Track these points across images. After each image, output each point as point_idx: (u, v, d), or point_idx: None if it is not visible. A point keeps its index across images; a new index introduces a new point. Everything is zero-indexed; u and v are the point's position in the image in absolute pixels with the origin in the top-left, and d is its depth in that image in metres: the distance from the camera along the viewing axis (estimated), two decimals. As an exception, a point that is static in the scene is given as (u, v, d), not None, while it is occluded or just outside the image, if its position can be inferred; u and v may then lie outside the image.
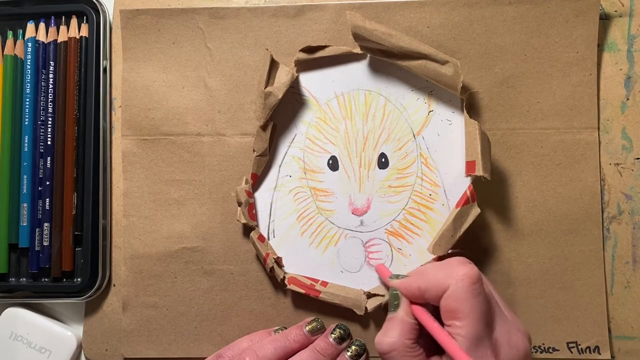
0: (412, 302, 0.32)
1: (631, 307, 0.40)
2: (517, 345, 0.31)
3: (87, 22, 0.42)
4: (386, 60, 0.40)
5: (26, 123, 0.42)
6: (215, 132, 0.42)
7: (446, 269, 0.31)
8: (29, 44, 0.42)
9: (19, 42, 0.43)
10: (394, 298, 0.33)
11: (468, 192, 0.37)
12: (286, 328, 0.39)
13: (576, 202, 0.40)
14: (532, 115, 0.40)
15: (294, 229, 0.41)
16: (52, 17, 0.43)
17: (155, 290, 0.42)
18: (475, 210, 0.37)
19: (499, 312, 0.32)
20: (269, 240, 0.41)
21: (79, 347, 0.42)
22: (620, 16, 0.41)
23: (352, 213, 0.41)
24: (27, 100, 0.42)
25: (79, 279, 0.42)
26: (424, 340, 0.32)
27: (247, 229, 0.41)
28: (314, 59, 0.41)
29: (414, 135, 0.41)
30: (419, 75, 0.40)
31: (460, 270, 0.30)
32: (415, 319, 0.32)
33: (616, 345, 0.40)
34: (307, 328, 0.37)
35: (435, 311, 0.32)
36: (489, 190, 0.40)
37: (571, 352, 0.40)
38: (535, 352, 0.40)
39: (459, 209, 0.37)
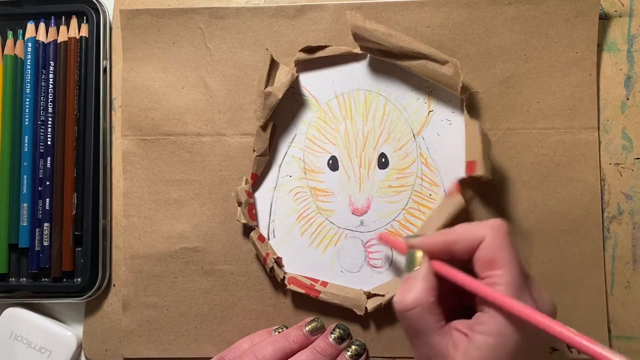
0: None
1: (631, 307, 0.40)
2: (550, 302, 0.30)
3: (87, 22, 0.42)
4: (386, 60, 0.40)
5: (26, 123, 0.42)
6: (215, 132, 0.42)
7: (476, 223, 0.30)
8: (29, 44, 0.42)
9: (19, 42, 0.43)
10: (412, 258, 0.31)
11: (453, 187, 0.38)
12: (287, 327, 0.39)
13: (576, 202, 0.40)
14: (532, 115, 0.40)
15: (294, 229, 0.41)
16: (52, 17, 0.43)
17: (155, 290, 0.42)
18: (459, 201, 0.37)
19: (527, 270, 0.31)
20: (269, 240, 0.41)
21: (79, 347, 0.42)
22: (620, 16, 0.41)
23: (352, 213, 0.41)
24: (27, 100, 0.42)
25: (79, 279, 0.42)
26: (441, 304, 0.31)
27: (247, 229, 0.41)
28: (314, 59, 0.41)
29: (414, 135, 0.41)
30: (419, 75, 0.40)
31: (494, 221, 0.30)
32: (437, 278, 0.30)
33: (616, 345, 0.40)
34: (307, 328, 0.37)
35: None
36: (489, 190, 0.40)
37: (571, 352, 0.40)
38: (535, 352, 0.40)
39: (443, 201, 0.38)
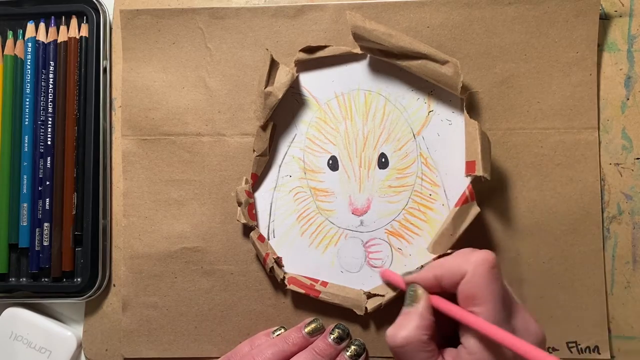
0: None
1: (631, 307, 0.40)
2: (535, 332, 0.31)
3: (87, 22, 0.42)
4: (386, 60, 0.40)
5: (26, 123, 0.42)
6: (215, 132, 0.42)
7: (462, 255, 0.31)
8: (29, 44, 0.42)
9: (19, 42, 0.43)
10: (412, 293, 0.32)
11: (467, 192, 0.37)
12: (286, 328, 0.39)
13: (576, 202, 0.40)
14: (532, 115, 0.40)
15: (294, 229, 0.41)
16: (52, 17, 0.43)
17: (155, 290, 0.42)
18: (475, 209, 0.37)
19: (514, 300, 0.31)
20: (269, 240, 0.41)
21: (79, 347, 0.42)
22: (620, 16, 0.41)
23: (352, 213, 0.41)
24: (27, 100, 0.42)
25: (79, 279, 0.42)
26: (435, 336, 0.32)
27: (247, 229, 0.41)
28: (314, 59, 0.41)
29: (414, 135, 0.41)
30: (419, 75, 0.40)
31: (477, 255, 0.30)
32: (434, 315, 0.31)
33: (616, 345, 0.40)
34: (307, 330, 0.37)
35: (451, 301, 0.31)
36: (489, 190, 0.40)
37: (571, 352, 0.40)
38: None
39: (458, 208, 0.37)
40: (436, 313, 0.31)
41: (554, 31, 0.40)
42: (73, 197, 0.42)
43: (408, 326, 0.30)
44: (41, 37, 0.43)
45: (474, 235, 0.40)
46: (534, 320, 0.31)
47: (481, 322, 0.29)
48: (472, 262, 0.30)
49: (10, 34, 0.43)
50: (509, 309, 0.30)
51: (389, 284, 0.39)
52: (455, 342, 0.31)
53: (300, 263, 0.41)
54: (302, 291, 0.39)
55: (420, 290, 0.32)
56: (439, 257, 0.38)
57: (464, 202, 0.37)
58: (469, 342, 0.29)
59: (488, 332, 0.28)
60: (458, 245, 0.38)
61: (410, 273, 0.33)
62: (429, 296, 0.32)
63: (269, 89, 0.39)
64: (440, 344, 0.31)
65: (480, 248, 0.40)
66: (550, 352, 0.40)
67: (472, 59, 0.40)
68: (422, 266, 0.35)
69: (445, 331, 0.32)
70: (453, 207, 0.38)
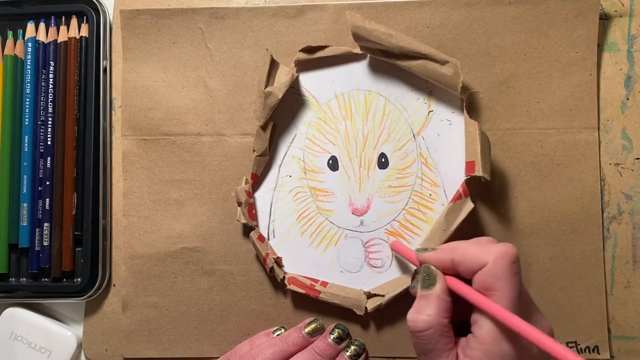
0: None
1: (631, 307, 0.40)
2: (549, 331, 0.30)
3: (87, 22, 0.42)
4: (386, 60, 0.40)
5: (26, 123, 0.42)
6: (215, 132, 0.42)
7: (482, 244, 0.30)
8: (29, 44, 0.42)
9: (19, 42, 0.43)
10: (428, 274, 0.31)
11: (461, 189, 0.37)
12: (286, 328, 0.39)
13: (576, 202, 0.40)
14: (532, 115, 0.40)
15: (294, 229, 0.41)
16: (52, 17, 0.43)
17: (155, 290, 0.42)
18: (469, 205, 0.37)
19: (530, 298, 0.31)
20: (269, 240, 0.41)
21: (79, 347, 0.42)
22: (620, 16, 0.41)
23: (352, 213, 0.41)
24: (27, 100, 0.42)
25: (79, 279, 0.42)
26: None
27: (247, 229, 0.41)
28: (314, 59, 0.41)
29: (413, 135, 0.41)
30: (419, 75, 0.40)
31: (500, 247, 0.29)
32: (451, 296, 0.31)
33: (616, 345, 0.40)
34: (307, 330, 0.37)
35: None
36: (489, 190, 0.40)
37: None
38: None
39: (452, 203, 0.37)
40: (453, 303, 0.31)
41: (554, 31, 0.40)
42: (73, 197, 0.42)
43: (428, 310, 0.30)
44: (41, 37, 0.43)
45: (474, 235, 0.40)
46: (548, 322, 0.31)
47: (500, 309, 0.28)
48: (493, 252, 0.29)
49: (10, 34, 0.43)
50: (525, 306, 0.30)
51: (397, 257, 0.39)
52: (462, 331, 0.31)
53: (300, 263, 0.41)
54: (302, 291, 0.39)
55: (437, 272, 0.31)
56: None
57: (458, 199, 0.37)
58: (481, 331, 0.29)
59: (506, 319, 0.27)
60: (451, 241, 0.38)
61: (424, 250, 0.33)
62: (444, 278, 0.31)
63: (269, 89, 0.39)
64: (455, 328, 0.31)
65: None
66: None
67: (472, 59, 0.40)
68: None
69: (453, 318, 0.31)
70: (447, 203, 0.38)
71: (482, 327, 0.29)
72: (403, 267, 0.40)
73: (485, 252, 0.30)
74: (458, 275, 0.31)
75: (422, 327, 0.30)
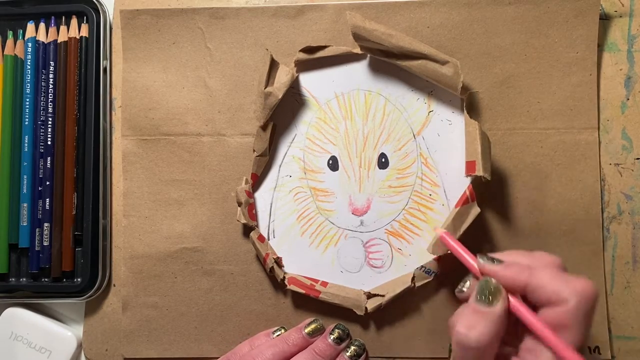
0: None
1: (631, 307, 0.40)
2: None
3: (87, 22, 0.42)
4: (386, 60, 0.40)
5: (26, 123, 0.42)
6: (215, 132, 0.42)
7: (562, 278, 0.28)
8: (29, 44, 0.42)
9: (19, 42, 0.43)
10: (492, 291, 0.29)
11: (467, 192, 0.37)
12: (286, 329, 0.39)
13: (576, 202, 0.40)
14: (532, 115, 0.40)
15: (294, 229, 0.41)
16: (52, 17, 0.43)
17: (155, 290, 0.42)
18: (475, 210, 0.37)
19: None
20: (269, 240, 0.41)
21: (79, 347, 0.42)
22: (620, 16, 0.41)
23: (352, 213, 0.41)
24: (27, 100, 0.42)
25: (79, 279, 0.42)
26: None
27: (247, 229, 0.41)
28: (314, 59, 0.41)
29: (414, 135, 0.41)
30: (419, 75, 0.40)
31: (583, 286, 0.27)
32: (511, 316, 0.29)
33: (616, 345, 0.40)
34: (307, 330, 0.37)
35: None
36: (489, 190, 0.40)
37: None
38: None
39: (458, 208, 0.37)
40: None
41: (554, 31, 0.40)
42: (73, 197, 0.42)
43: (483, 328, 0.28)
44: (41, 37, 0.43)
45: (474, 235, 0.40)
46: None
47: (569, 349, 0.27)
48: (577, 292, 0.27)
49: (10, 34, 0.43)
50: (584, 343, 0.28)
51: (442, 253, 0.37)
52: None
53: (300, 263, 0.41)
54: (302, 291, 0.39)
55: (502, 290, 0.29)
56: (439, 257, 0.38)
57: (464, 203, 0.37)
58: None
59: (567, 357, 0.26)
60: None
61: (488, 259, 0.30)
62: (508, 297, 0.29)
63: (269, 89, 0.39)
64: None
65: (480, 248, 0.40)
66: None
67: (472, 59, 0.40)
68: (493, 259, 0.31)
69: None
70: (453, 208, 0.38)
71: (539, 358, 0.28)
72: (400, 267, 0.40)
73: (568, 289, 0.27)
74: (523, 297, 0.29)
75: (474, 345, 0.27)
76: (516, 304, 0.29)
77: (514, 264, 0.30)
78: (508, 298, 0.29)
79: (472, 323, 0.28)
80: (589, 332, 0.28)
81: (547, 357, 0.27)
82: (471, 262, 0.32)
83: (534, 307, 0.29)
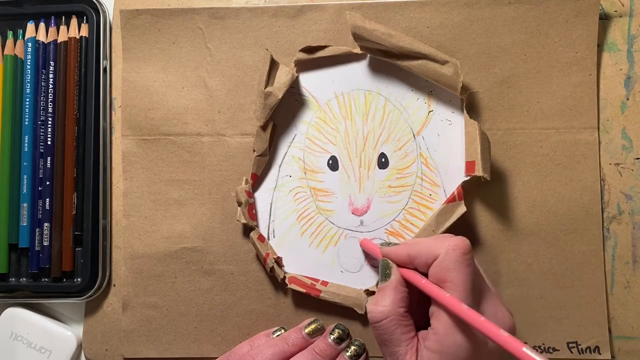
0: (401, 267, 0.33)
1: (631, 307, 0.40)
2: (503, 320, 0.31)
3: (87, 22, 0.42)
4: (386, 60, 0.40)
5: (26, 123, 0.42)
6: (215, 132, 0.42)
7: (438, 239, 0.31)
8: (29, 44, 0.42)
9: (19, 42, 0.43)
10: (385, 267, 0.33)
11: (456, 192, 0.38)
12: (286, 329, 0.39)
13: (576, 202, 0.40)
14: (532, 115, 0.40)
15: (294, 229, 0.41)
16: (52, 17, 0.43)
17: (155, 290, 0.42)
18: (461, 209, 0.38)
19: (486, 287, 0.32)
20: (269, 240, 0.41)
21: (79, 347, 0.42)
22: (620, 16, 0.41)
23: (352, 213, 0.41)
24: (27, 100, 0.42)
25: (79, 279, 0.42)
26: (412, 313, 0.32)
27: (247, 229, 0.41)
28: (314, 59, 0.41)
29: (413, 135, 0.41)
30: (419, 75, 0.40)
31: (452, 240, 0.30)
32: (407, 287, 0.32)
33: (616, 345, 0.40)
34: (307, 330, 0.37)
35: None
36: (489, 190, 0.40)
37: (571, 352, 0.40)
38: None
39: (444, 205, 0.38)
40: (411, 294, 0.32)
41: (553, 31, 0.40)
42: (73, 197, 0.42)
43: (384, 301, 0.31)
44: (41, 37, 0.43)
45: (474, 235, 0.40)
46: (506, 308, 0.32)
47: (452, 299, 0.29)
48: (445, 245, 0.30)
49: (10, 34, 0.43)
50: (478, 295, 0.31)
51: (366, 254, 0.40)
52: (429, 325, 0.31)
53: (300, 263, 0.41)
54: (303, 290, 0.39)
55: (391, 264, 0.33)
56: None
57: (452, 201, 0.38)
58: (436, 322, 0.30)
59: (457, 310, 0.28)
60: None
61: (388, 244, 0.34)
62: (399, 269, 0.33)
63: (269, 89, 0.39)
64: (418, 320, 0.31)
65: (480, 248, 0.40)
66: (551, 352, 0.40)
67: (472, 59, 0.40)
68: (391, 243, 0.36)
69: (420, 319, 0.32)
70: (441, 204, 0.39)
71: (437, 319, 0.30)
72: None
73: (438, 245, 0.30)
74: (418, 270, 0.32)
75: (378, 318, 0.31)
76: (407, 272, 0.32)
77: (406, 242, 0.33)
78: (398, 270, 0.33)
79: (377, 300, 0.32)
80: (477, 286, 0.30)
81: (443, 316, 0.29)
82: (377, 250, 0.36)
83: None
